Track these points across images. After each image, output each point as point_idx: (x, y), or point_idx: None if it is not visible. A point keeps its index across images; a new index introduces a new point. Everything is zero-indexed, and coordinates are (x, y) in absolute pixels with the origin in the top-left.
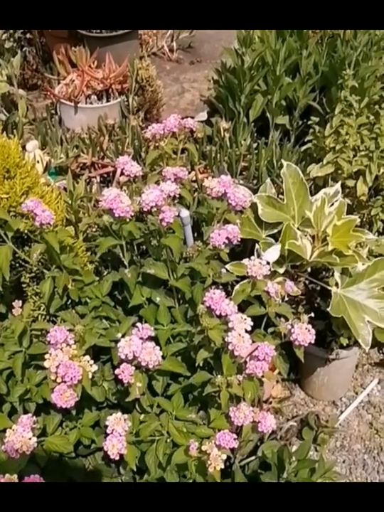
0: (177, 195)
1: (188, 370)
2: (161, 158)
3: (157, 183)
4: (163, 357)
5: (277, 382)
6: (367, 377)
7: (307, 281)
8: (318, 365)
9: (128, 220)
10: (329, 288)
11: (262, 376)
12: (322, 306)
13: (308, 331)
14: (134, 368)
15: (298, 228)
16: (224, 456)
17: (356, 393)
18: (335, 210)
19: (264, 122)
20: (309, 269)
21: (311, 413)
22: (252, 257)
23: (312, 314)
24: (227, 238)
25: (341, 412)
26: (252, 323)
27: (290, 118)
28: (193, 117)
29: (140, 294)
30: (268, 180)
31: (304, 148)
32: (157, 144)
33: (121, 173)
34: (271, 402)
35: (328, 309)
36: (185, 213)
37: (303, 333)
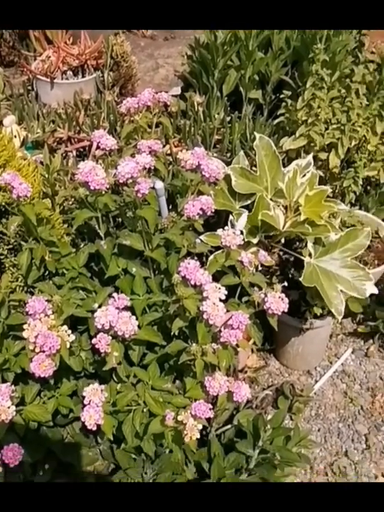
0: (152, 168)
1: (164, 340)
2: (136, 132)
3: (132, 156)
4: (139, 326)
5: (252, 351)
6: (341, 346)
7: (281, 252)
8: (292, 335)
9: (103, 192)
10: (302, 258)
11: (237, 345)
12: (295, 276)
13: (282, 299)
14: (110, 337)
15: (271, 199)
16: (200, 426)
17: (330, 363)
18: (307, 180)
19: (238, 97)
20: (283, 240)
21: (286, 382)
22: (226, 228)
23: (285, 284)
24: (201, 209)
25: (316, 381)
26: (226, 293)
27: (263, 92)
28: (167, 92)
29: (116, 265)
30: (241, 152)
31: (276, 121)
32: (132, 118)
33: (97, 147)
34: (246, 372)
35: (300, 279)
36: (159, 185)
37: (276, 301)
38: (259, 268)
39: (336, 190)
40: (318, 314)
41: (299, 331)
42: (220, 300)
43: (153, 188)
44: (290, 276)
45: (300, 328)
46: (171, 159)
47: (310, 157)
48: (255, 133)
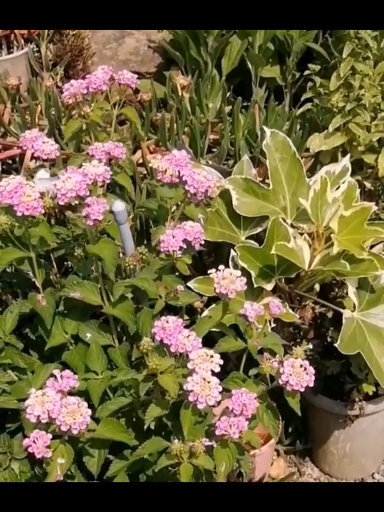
0: (106, 181)
1: (137, 438)
2: (89, 132)
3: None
4: (97, 419)
5: (278, 455)
6: None
7: (319, 305)
8: (335, 427)
9: (38, 221)
10: (342, 311)
11: (242, 440)
12: (335, 339)
13: (305, 369)
14: (50, 436)
15: (291, 225)
16: None
17: None
18: (342, 195)
19: (244, 76)
20: (318, 287)
21: None
22: (221, 267)
23: (309, 347)
24: (186, 241)
25: None
26: (221, 362)
27: (282, 68)
28: (138, 73)
29: (61, 330)
30: (245, 157)
31: (300, 111)
32: (81, 111)
33: (32, 156)
34: None
35: (336, 344)
36: (119, 206)
37: (297, 372)
38: (272, 325)
39: None
40: (371, 393)
41: (344, 421)
42: (214, 374)
43: (112, 211)
44: (330, 339)
45: (345, 415)
46: (146, 171)
47: (346, 160)
48: (264, 127)
